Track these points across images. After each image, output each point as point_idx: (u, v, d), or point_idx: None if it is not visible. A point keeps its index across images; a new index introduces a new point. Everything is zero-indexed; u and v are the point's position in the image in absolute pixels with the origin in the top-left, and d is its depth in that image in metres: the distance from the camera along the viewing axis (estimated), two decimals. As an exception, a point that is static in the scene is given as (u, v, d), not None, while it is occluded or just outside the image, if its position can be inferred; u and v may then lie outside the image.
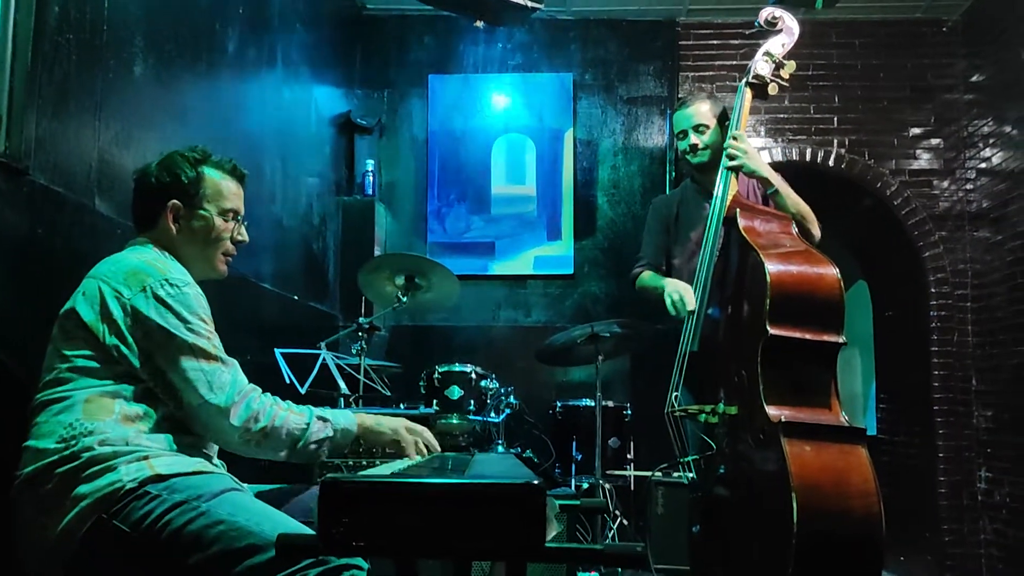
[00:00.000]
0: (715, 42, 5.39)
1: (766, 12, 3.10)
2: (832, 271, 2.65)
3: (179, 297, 1.77)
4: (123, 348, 1.72)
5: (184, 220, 1.94)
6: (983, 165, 5.03)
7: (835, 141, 5.25)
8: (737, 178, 3.01)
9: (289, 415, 1.84)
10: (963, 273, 5.13)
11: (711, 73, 5.37)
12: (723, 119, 3.27)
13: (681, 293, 3.06)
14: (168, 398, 1.75)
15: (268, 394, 1.86)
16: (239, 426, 1.76)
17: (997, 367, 4.78)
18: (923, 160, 5.25)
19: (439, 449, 2.09)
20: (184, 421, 1.78)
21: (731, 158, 2.97)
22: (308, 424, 1.86)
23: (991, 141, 4.93)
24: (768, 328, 2.54)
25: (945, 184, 5.23)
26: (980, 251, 5.03)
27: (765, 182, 3.04)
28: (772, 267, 2.61)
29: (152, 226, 1.95)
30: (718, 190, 2.97)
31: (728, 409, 2.72)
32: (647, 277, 3.43)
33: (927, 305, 5.14)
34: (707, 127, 3.27)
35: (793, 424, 2.46)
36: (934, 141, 5.26)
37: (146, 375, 1.74)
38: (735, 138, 3.00)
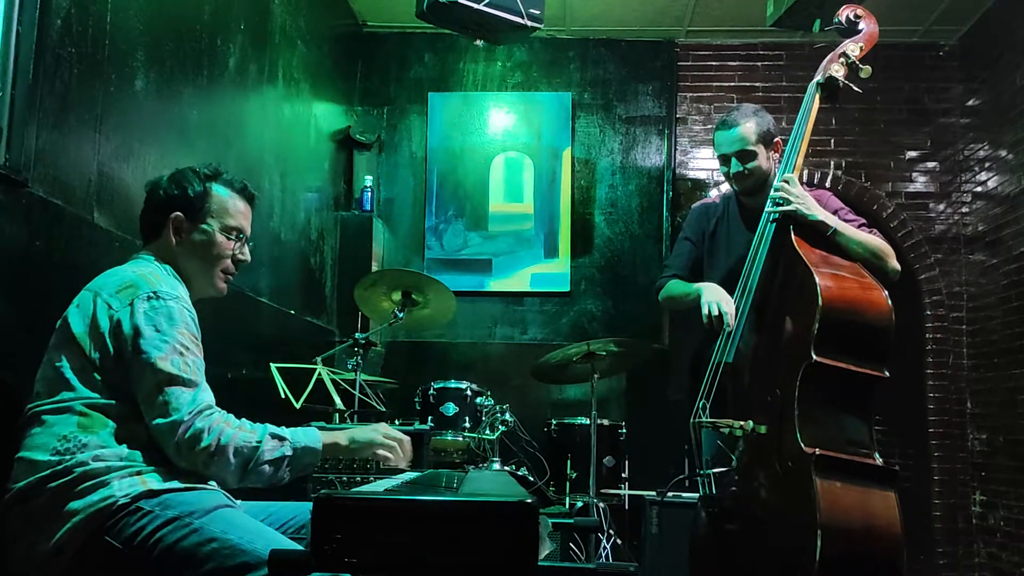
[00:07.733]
0: (714, 63, 5.42)
1: (848, 10, 2.89)
2: (882, 295, 2.49)
3: (162, 309, 1.75)
4: (107, 362, 1.71)
5: (186, 233, 1.94)
6: (979, 189, 5.05)
7: (832, 163, 5.27)
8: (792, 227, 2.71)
9: (238, 432, 1.72)
10: (958, 296, 5.14)
11: (709, 94, 5.40)
12: (767, 140, 2.94)
13: (720, 304, 2.77)
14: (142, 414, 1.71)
15: (222, 412, 1.76)
16: (183, 446, 1.67)
17: (992, 390, 4.78)
18: (919, 183, 5.28)
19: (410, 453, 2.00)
20: None
21: (783, 202, 2.71)
22: (260, 443, 1.73)
23: (987, 165, 4.96)
24: (813, 354, 2.39)
25: (941, 207, 5.25)
26: (975, 274, 5.05)
27: (822, 225, 2.72)
28: (824, 290, 2.42)
29: (155, 238, 1.96)
30: (761, 237, 2.76)
31: (758, 427, 2.57)
32: (674, 284, 3.12)
33: (922, 328, 5.14)
34: (755, 154, 2.91)
35: (826, 459, 2.34)
36: (930, 164, 5.28)
37: (129, 388, 1.72)
38: (786, 181, 2.75)
